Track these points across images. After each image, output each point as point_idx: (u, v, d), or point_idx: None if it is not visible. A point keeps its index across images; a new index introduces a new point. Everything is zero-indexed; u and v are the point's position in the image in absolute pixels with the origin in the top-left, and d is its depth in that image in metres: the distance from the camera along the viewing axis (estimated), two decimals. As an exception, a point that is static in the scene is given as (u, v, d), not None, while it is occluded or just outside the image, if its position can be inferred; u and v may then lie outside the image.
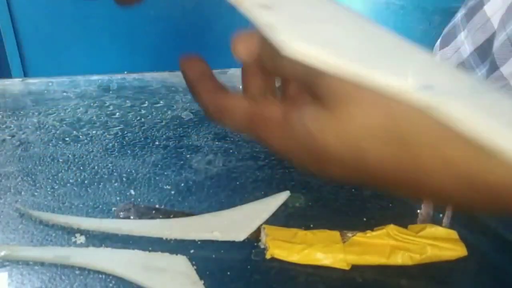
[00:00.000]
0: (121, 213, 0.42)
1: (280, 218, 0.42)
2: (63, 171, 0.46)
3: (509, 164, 0.20)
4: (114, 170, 0.47)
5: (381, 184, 0.24)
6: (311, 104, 0.23)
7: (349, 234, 0.39)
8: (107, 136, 0.52)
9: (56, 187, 0.44)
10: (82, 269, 0.36)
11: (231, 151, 0.51)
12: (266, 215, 0.42)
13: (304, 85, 0.24)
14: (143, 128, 0.54)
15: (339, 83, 0.22)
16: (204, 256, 0.38)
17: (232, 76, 0.67)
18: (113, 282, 0.35)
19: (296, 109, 0.24)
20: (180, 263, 0.37)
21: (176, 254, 0.37)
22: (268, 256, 0.38)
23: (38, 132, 0.52)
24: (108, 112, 0.57)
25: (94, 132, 0.53)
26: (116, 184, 0.45)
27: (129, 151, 0.50)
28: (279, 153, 0.26)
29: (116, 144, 0.51)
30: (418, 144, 0.21)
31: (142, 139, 0.52)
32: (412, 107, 0.21)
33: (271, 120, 0.25)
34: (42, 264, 0.36)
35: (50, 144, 0.50)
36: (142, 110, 0.57)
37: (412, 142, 0.21)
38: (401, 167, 0.22)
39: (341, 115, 0.22)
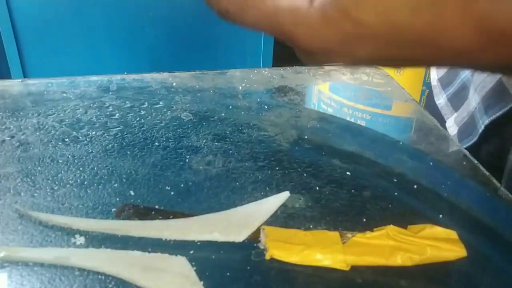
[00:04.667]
0: (121, 214, 0.42)
1: (279, 219, 0.42)
2: (62, 172, 0.46)
3: None
4: (114, 171, 0.47)
5: (406, 54, 0.26)
6: None
7: (349, 235, 0.39)
8: (107, 137, 0.52)
9: (56, 188, 0.44)
10: (81, 270, 0.36)
11: (230, 151, 0.51)
12: (265, 215, 0.42)
13: None
14: (142, 129, 0.54)
15: None
16: (204, 257, 0.38)
17: (232, 77, 0.67)
18: (113, 283, 0.35)
19: None
20: (180, 264, 0.37)
21: (176, 255, 0.37)
22: (267, 257, 0.38)
23: (37, 133, 0.52)
24: (107, 113, 0.57)
25: (93, 133, 0.53)
26: (115, 185, 0.45)
27: (128, 152, 0.50)
28: (305, 45, 0.27)
29: (115, 145, 0.51)
30: (447, 3, 0.24)
31: (142, 140, 0.52)
32: None
33: (298, 9, 0.26)
34: (41, 265, 0.36)
35: (50, 145, 0.50)
36: (141, 111, 0.57)
37: (440, 4, 0.24)
38: (429, 30, 0.25)
39: None
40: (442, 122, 0.62)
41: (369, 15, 0.25)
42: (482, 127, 0.56)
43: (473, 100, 0.58)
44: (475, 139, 0.56)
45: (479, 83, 0.58)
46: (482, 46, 0.25)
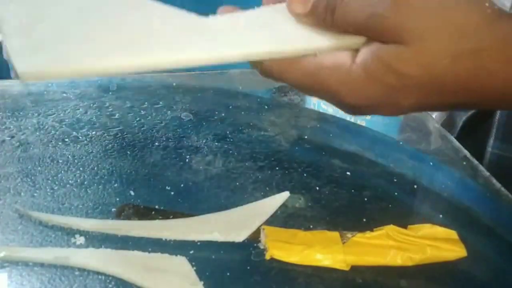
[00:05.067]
0: (121, 214, 0.42)
1: (279, 219, 0.42)
2: (62, 172, 0.46)
3: None
4: (114, 171, 0.47)
5: (450, 101, 0.27)
6: (386, 47, 0.26)
7: (349, 235, 0.39)
8: (107, 137, 0.52)
9: (56, 188, 0.44)
10: (81, 270, 0.36)
11: (230, 152, 0.51)
12: (265, 215, 0.42)
13: (363, 31, 0.26)
14: (142, 129, 0.54)
15: (406, 20, 0.25)
16: (204, 257, 0.38)
17: (232, 77, 0.67)
18: (113, 283, 0.35)
19: (373, 54, 0.26)
20: (180, 264, 0.37)
21: (176, 255, 0.37)
22: (267, 257, 0.38)
23: (37, 133, 0.52)
24: (107, 113, 0.56)
25: (93, 133, 0.53)
26: (115, 185, 0.45)
27: (128, 152, 0.50)
28: (350, 101, 0.28)
29: (115, 144, 0.51)
30: (486, 49, 0.25)
31: (142, 140, 0.52)
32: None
33: (342, 65, 0.27)
34: (41, 265, 0.36)
35: (50, 145, 0.50)
36: (141, 111, 0.57)
37: (480, 51, 0.25)
38: (471, 76, 0.26)
39: (418, 46, 0.25)
40: None
41: (411, 67, 0.26)
42: (461, 123, 0.57)
43: None
44: (454, 135, 0.57)
45: None
46: None
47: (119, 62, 0.24)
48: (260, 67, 0.29)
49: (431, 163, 0.51)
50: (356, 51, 0.27)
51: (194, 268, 0.36)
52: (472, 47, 0.25)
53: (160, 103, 0.59)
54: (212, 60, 0.26)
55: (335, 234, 0.39)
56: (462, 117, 0.57)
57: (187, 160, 0.49)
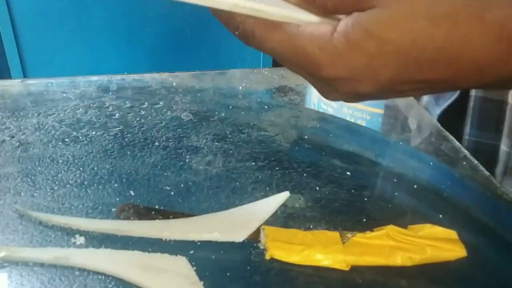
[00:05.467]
0: (121, 214, 0.42)
1: (279, 219, 0.42)
2: (62, 172, 0.46)
3: None
4: (114, 171, 0.47)
5: (428, 75, 0.27)
6: (365, 14, 0.27)
7: (349, 235, 0.39)
8: (107, 137, 0.52)
9: (56, 188, 0.44)
10: (81, 270, 0.36)
11: (230, 152, 0.51)
12: (265, 215, 0.42)
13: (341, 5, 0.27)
14: (142, 129, 0.54)
15: None
16: (204, 256, 0.38)
17: (232, 77, 0.67)
18: (113, 283, 0.35)
19: (353, 21, 0.27)
20: (180, 264, 0.37)
21: (176, 255, 0.37)
22: (267, 257, 0.38)
23: (37, 133, 0.52)
24: (107, 113, 0.57)
25: (93, 133, 0.53)
26: (115, 185, 0.45)
27: (128, 152, 0.50)
28: (329, 71, 0.28)
29: (115, 145, 0.51)
30: (460, 13, 0.26)
31: (142, 140, 0.52)
32: None
33: (323, 34, 0.27)
34: (41, 265, 0.36)
35: (50, 145, 0.50)
36: (141, 111, 0.57)
37: (455, 14, 0.26)
38: (448, 41, 0.26)
39: (395, 9, 0.26)
40: None
41: (389, 30, 0.26)
42: (436, 117, 0.59)
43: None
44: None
45: None
46: (503, 56, 0.26)
47: None
48: (242, 27, 0.29)
49: (431, 163, 0.51)
50: (338, 21, 0.28)
51: (194, 268, 0.36)
52: (447, 10, 0.26)
53: (160, 103, 0.59)
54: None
55: (335, 234, 0.39)
56: (436, 112, 0.59)
57: (187, 160, 0.49)
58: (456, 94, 0.57)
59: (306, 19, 0.28)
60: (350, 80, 0.28)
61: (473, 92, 0.55)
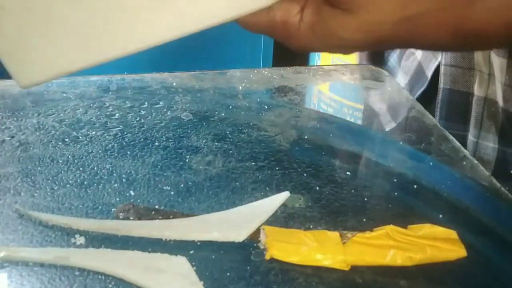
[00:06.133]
0: (121, 214, 0.42)
1: (279, 219, 0.42)
2: (62, 172, 0.46)
3: (487, 12, 0.27)
4: (114, 171, 0.47)
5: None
6: (333, 12, 0.29)
7: (349, 235, 0.39)
8: (107, 137, 0.52)
9: (56, 188, 0.44)
10: (81, 270, 0.36)
11: (230, 152, 0.51)
12: (265, 215, 0.42)
13: None
14: (142, 129, 0.54)
15: None
16: (204, 256, 0.38)
17: (232, 77, 0.67)
18: (113, 283, 0.35)
19: (320, 18, 0.30)
20: (180, 264, 0.37)
21: (176, 255, 0.37)
22: (267, 257, 0.38)
23: (37, 133, 0.52)
24: (107, 113, 0.57)
25: (93, 133, 0.53)
26: (115, 185, 0.45)
27: (128, 152, 0.50)
28: (296, 49, 0.32)
29: (115, 145, 0.51)
30: (424, 13, 0.28)
31: (142, 140, 0.52)
32: None
33: (290, 24, 0.31)
34: (41, 265, 0.36)
35: (50, 145, 0.50)
36: (141, 111, 0.57)
37: (419, 15, 0.28)
38: (409, 33, 0.29)
39: (363, 16, 0.28)
40: None
41: (354, 35, 0.29)
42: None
43: (402, 83, 0.64)
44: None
45: (406, 66, 0.63)
46: (459, 45, 0.31)
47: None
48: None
49: (431, 163, 0.51)
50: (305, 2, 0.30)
51: (194, 268, 0.36)
52: (412, 13, 0.28)
53: (160, 103, 0.59)
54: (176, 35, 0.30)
55: (335, 234, 0.39)
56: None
57: (187, 160, 0.49)
58: (425, 84, 0.59)
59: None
60: (313, 51, 0.34)
61: (441, 85, 0.57)
